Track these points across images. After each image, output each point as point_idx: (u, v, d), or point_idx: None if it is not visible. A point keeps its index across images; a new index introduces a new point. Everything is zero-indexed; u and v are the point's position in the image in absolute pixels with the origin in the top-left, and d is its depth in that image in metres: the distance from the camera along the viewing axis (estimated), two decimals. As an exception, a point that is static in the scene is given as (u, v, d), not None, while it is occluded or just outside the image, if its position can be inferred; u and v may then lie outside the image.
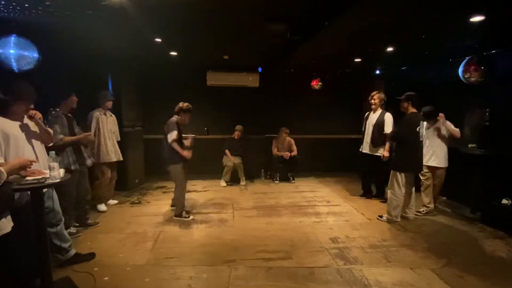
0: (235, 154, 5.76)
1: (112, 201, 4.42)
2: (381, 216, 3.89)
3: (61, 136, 3.13)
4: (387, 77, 5.87)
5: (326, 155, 6.73)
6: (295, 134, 6.08)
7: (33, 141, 2.27)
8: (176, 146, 3.60)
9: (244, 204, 4.54)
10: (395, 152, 3.79)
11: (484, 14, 2.65)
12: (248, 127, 6.02)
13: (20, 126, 2.21)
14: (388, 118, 4.39)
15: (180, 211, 3.81)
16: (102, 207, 4.16)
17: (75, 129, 3.39)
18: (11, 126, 2.14)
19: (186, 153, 3.69)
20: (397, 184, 3.64)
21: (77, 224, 3.51)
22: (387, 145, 4.32)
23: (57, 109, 3.24)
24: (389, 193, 3.74)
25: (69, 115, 3.40)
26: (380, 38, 3.63)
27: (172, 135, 3.58)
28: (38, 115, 2.29)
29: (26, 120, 2.28)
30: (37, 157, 2.24)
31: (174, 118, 3.74)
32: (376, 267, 2.75)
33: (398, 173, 3.64)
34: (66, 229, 3.24)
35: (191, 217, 3.82)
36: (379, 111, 4.52)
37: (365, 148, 4.65)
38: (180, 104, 3.79)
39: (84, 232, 3.41)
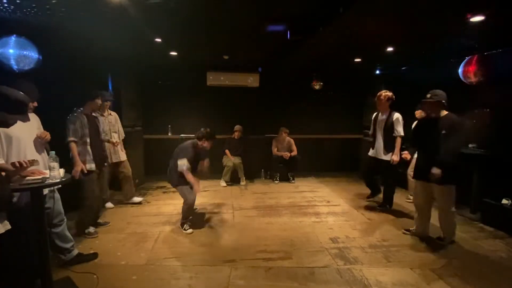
0: (235, 154, 5.77)
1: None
2: (441, 239, 3.23)
3: (72, 138, 3.06)
4: (387, 77, 5.87)
5: (326, 155, 6.73)
6: (295, 134, 6.07)
7: (35, 140, 2.27)
8: (189, 176, 3.38)
9: (244, 204, 4.54)
10: (443, 163, 2.92)
11: (484, 14, 2.65)
12: (248, 127, 6.02)
13: (23, 125, 2.20)
14: (397, 119, 4.03)
15: (183, 221, 3.59)
16: (135, 199, 4.38)
17: (99, 128, 3.40)
18: (14, 127, 2.13)
19: (197, 187, 3.49)
20: (452, 200, 3.11)
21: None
22: (397, 148, 4.01)
23: (80, 109, 3.20)
24: (448, 214, 3.15)
25: (95, 114, 3.37)
26: (380, 38, 3.63)
27: (184, 162, 3.36)
28: (47, 137, 2.34)
29: (27, 117, 2.28)
30: (42, 159, 2.25)
31: (190, 142, 3.55)
32: (376, 267, 2.75)
33: (453, 187, 3.08)
34: (86, 228, 3.27)
35: (189, 230, 3.52)
36: (387, 112, 4.14)
37: (375, 153, 4.25)
38: (203, 130, 3.56)
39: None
